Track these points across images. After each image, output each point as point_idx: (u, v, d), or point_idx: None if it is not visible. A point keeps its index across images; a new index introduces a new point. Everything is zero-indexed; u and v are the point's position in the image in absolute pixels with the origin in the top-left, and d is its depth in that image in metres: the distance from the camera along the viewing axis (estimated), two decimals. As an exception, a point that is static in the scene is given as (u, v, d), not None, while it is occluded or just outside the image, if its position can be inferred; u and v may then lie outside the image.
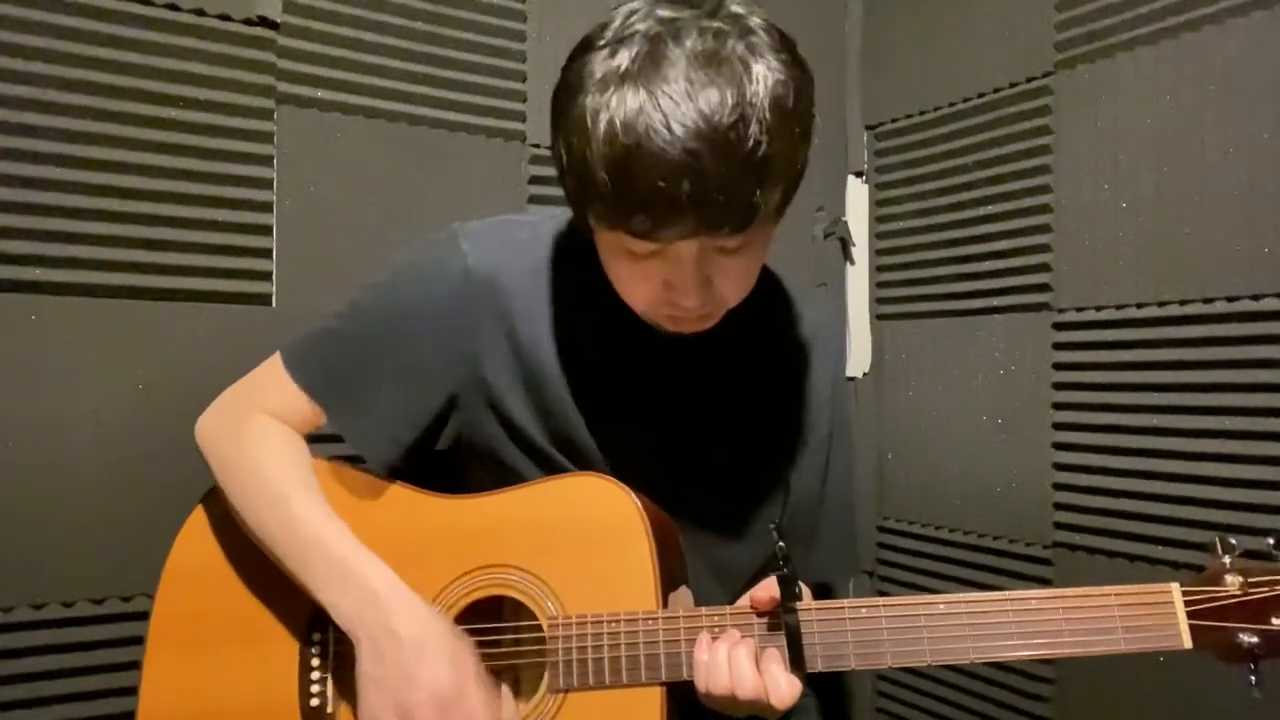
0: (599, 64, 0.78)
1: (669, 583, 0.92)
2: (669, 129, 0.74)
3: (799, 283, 1.13)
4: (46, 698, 1.15)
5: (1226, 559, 0.83)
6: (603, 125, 0.76)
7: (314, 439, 1.01)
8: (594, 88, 0.78)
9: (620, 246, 0.84)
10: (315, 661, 0.96)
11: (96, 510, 1.18)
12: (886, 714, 1.78)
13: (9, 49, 1.13)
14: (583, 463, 0.99)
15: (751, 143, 0.76)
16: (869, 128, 1.85)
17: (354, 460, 1.02)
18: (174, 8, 1.23)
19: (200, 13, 1.24)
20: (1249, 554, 0.84)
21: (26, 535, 1.14)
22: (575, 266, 0.98)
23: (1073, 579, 1.46)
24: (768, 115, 0.76)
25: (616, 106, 0.76)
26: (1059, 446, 1.49)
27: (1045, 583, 1.50)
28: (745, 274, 0.88)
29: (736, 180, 0.76)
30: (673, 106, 0.74)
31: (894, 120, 1.79)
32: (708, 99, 0.74)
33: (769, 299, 1.08)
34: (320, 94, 1.34)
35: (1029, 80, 1.53)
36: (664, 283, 0.86)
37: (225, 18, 1.26)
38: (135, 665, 0.98)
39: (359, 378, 0.98)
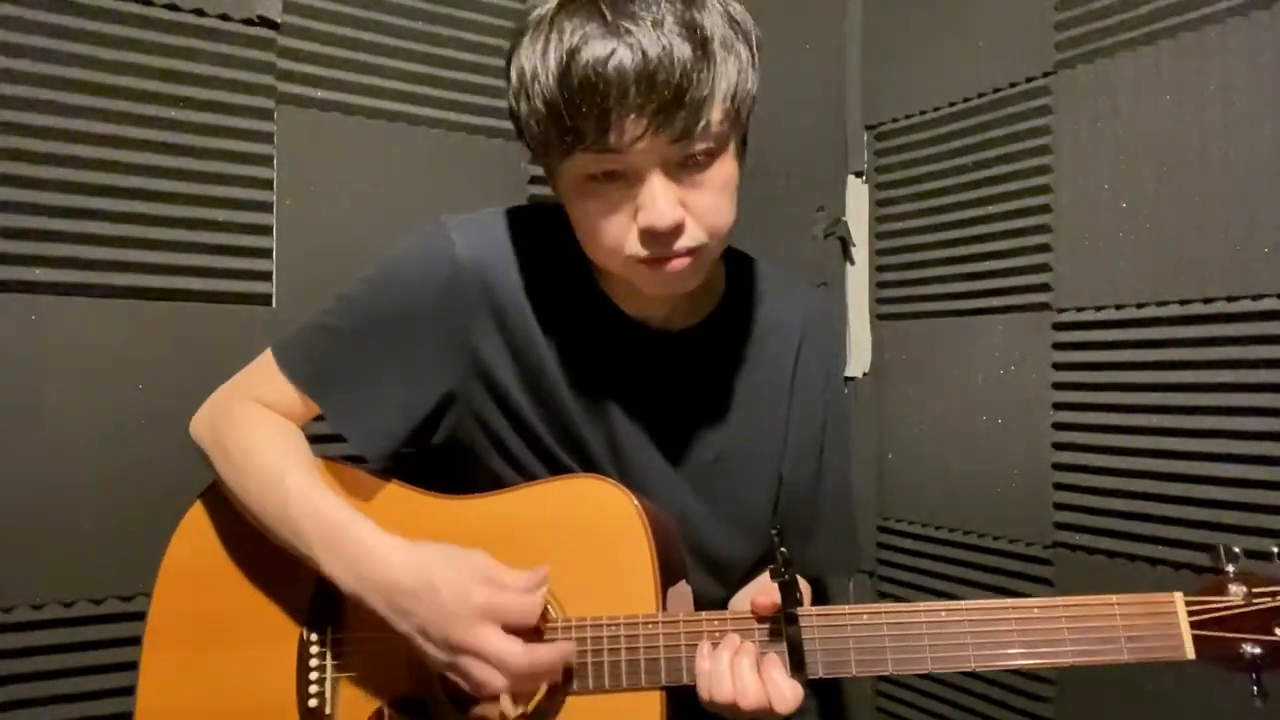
0: (546, 6, 0.83)
1: (669, 585, 0.92)
2: (609, 26, 0.78)
3: (793, 275, 1.14)
4: (46, 698, 1.15)
5: (1230, 568, 0.82)
6: (552, 41, 0.80)
7: (313, 439, 1.01)
8: (540, 18, 0.82)
9: (583, 178, 0.84)
10: (314, 662, 0.96)
11: (96, 510, 1.18)
12: (887, 714, 1.78)
13: (9, 49, 1.13)
14: (579, 455, 0.99)
15: (697, 27, 0.79)
16: (869, 128, 1.84)
17: (352, 460, 1.02)
18: (174, 8, 1.23)
19: (200, 13, 1.24)
20: (1250, 555, 0.83)
21: (26, 535, 1.14)
22: (564, 262, 0.98)
23: (1073, 579, 1.46)
24: (711, 14, 0.81)
25: (564, 23, 0.79)
26: (1059, 446, 1.49)
27: (1045, 582, 1.50)
28: (715, 198, 0.86)
29: (681, 58, 0.78)
30: (613, 9, 0.78)
31: (894, 120, 1.79)
32: (650, 2, 0.78)
33: (761, 290, 1.08)
34: (320, 94, 1.34)
35: (1029, 80, 1.53)
36: (635, 213, 0.84)
37: (225, 18, 1.26)
38: (135, 665, 0.98)
39: (351, 371, 0.98)
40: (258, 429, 0.97)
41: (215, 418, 1.01)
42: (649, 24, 0.78)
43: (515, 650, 0.83)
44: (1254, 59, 1.26)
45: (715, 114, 0.81)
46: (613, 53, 0.77)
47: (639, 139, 0.80)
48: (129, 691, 0.98)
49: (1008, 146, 1.57)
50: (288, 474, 0.93)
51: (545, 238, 1.00)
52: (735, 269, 1.07)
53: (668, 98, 0.78)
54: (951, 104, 1.67)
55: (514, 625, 0.85)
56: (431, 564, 0.86)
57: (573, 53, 0.78)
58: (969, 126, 1.64)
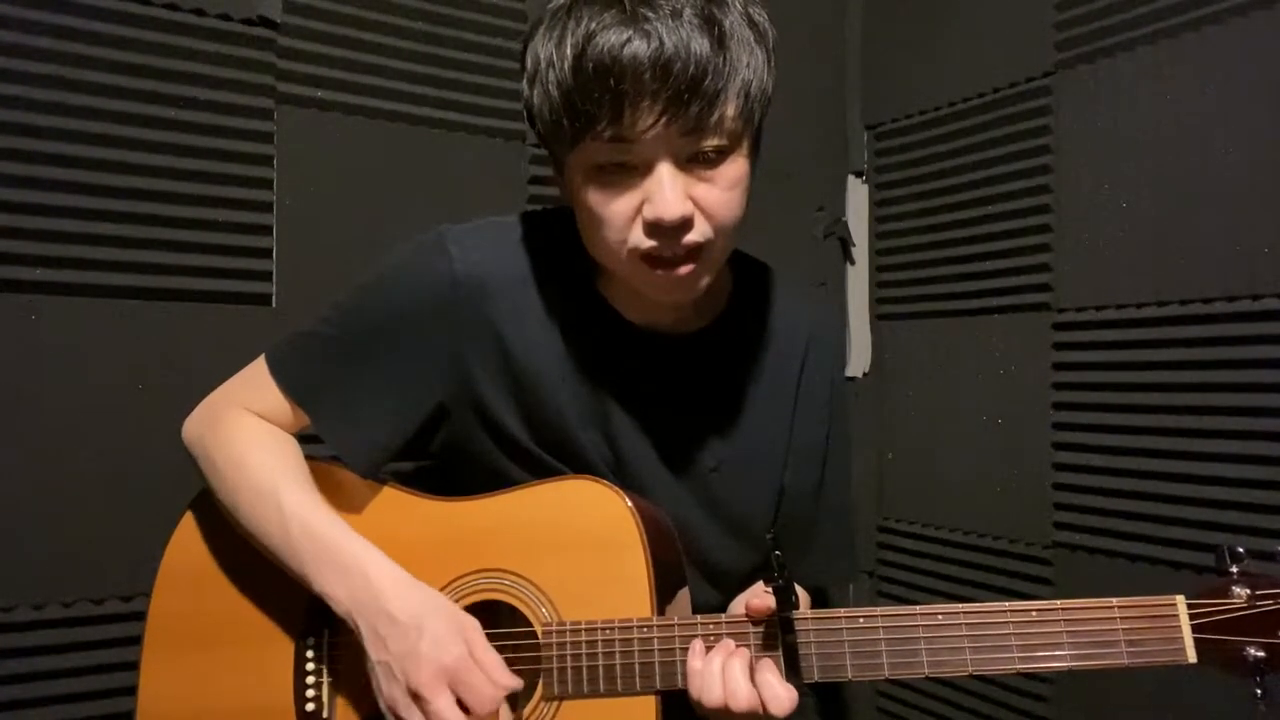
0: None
1: (665, 588, 0.91)
2: (627, 15, 0.78)
3: (798, 282, 1.12)
4: (46, 698, 1.16)
5: (1234, 569, 0.81)
6: (569, 28, 0.80)
7: (303, 440, 1.01)
8: (558, 8, 0.82)
9: (592, 167, 0.83)
10: (310, 666, 0.96)
11: (96, 510, 1.18)
12: (886, 713, 1.78)
13: (9, 49, 1.13)
14: (577, 466, 0.97)
15: (715, 22, 0.79)
16: (869, 128, 1.84)
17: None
18: (174, 8, 1.23)
19: (200, 13, 1.25)
20: (1253, 554, 0.82)
21: (26, 535, 1.14)
22: (566, 269, 0.97)
23: (1072, 579, 1.46)
24: (731, 12, 0.81)
25: (581, 11, 0.79)
26: (1059, 446, 1.49)
27: (1045, 582, 1.50)
28: (725, 195, 0.85)
29: (697, 50, 0.78)
30: (633, 3, 0.78)
31: (894, 120, 1.79)
32: None
33: (766, 298, 1.07)
34: (320, 94, 1.34)
35: (1029, 80, 1.53)
36: (642, 205, 0.83)
37: (225, 18, 1.26)
38: (135, 665, 0.98)
39: (344, 384, 0.97)
40: (250, 442, 0.96)
41: (206, 427, 0.99)
42: (667, 14, 0.78)
43: None
44: (1254, 59, 1.25)
45: (729, 109, 0.81)
46: (628, 40, 0.77)
47: (650, 128, 0.79)
48: (129, 691, 0.98)
49: (1008, 146, 1.57)
50: (282, 491, 0.92)
51: (547, 245, 0.99)
52: (743, 274, 1.06)
53: (681, 88, 0.78)
54: (951, 104, 1.67)
55: (467, 704, 0.85)
56: (425, 608, 0.87)
57: (589, 38, 0.78)
58: (969, 126, 1.64)
